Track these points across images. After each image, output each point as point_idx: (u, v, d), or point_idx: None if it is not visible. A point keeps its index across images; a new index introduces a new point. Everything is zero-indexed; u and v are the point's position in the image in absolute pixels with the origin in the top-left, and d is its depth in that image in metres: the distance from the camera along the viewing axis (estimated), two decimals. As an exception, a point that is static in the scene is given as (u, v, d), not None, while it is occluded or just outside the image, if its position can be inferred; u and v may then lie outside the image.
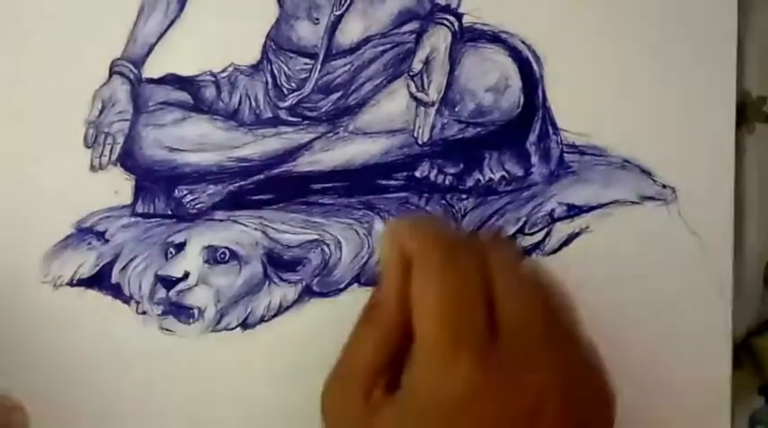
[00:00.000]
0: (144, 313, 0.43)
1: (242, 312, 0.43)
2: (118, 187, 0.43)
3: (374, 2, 0.43)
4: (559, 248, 0.42)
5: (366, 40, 0.42)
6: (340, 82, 0.43)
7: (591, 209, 0.42)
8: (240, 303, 0.42)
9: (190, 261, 0.42)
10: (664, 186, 0.42)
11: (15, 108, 0.43)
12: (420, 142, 0.42)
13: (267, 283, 0.42)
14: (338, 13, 0.43)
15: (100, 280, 0.43)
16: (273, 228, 0.42)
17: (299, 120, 0.43)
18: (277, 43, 0.43)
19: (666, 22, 0.42)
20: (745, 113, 0.42)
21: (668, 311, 0.41)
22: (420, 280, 0.34)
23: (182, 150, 0.43)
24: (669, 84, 0.42)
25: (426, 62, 0.42)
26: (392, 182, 0.43)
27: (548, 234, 0.42)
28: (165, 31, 0.43)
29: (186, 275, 0.42)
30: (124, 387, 0.43)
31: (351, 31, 0.42)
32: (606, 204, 0.42)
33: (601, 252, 0.42)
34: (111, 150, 0.43)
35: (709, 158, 0.42)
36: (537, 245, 0.42)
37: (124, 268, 0.43)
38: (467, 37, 0.42)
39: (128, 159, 0.43)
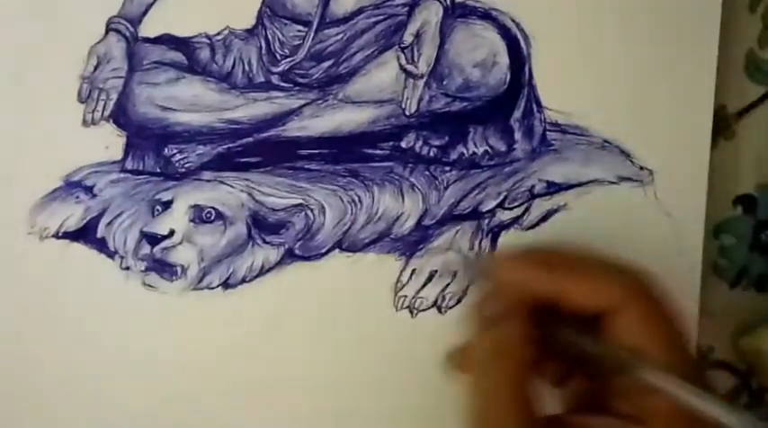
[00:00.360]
0: (127, 268, 0.43)
1: (224, 272, 0.43)
2: (109, 143, 0.43)
3: (368, -27, 0.44)
4: (537, 224, 0.43)
5: (359, 11, 0.43)
6: (332, 50, 0.44)
7: (570, 187, 0.43)
8: (223, 263, 0.43)
9: (176, 219, 0.43)
10: (641, 168, 0.43)
11: (10, 61, 0.43)
12: (407, 113, 0.43)
13: (251, 244, 0.43)
14: (334, -18, 0.44)
15: (85, 234, 0.43)
16: (259, 191, 0.43)
17: (291, 85, 0.44)
18: (272, 9, 0.43)
19: (652, 6, 0.43)
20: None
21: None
22: None
23: (174, 109, 0.43)
24: (652, 69, 0.43)
25: (417, 35, 0.43)
26: (378, 152, 0.43)
27: (527, 209, 0.43)
28: (163, -9, 0.43)
29: (171, 233, 0.43)
30: (104, 340, 0.43)
31: (345, 1, 0.43)
32: (585, 183, 0.43)
33: (577, 229, 0.43)
34: (104, 106, 0.43)
35: (687, 143, 0.43)
36: (516, 220, 0.43)
37: (110, 223, 0.43)
38: (458, 12, 0.43)
39: (120, 116, 0.43)
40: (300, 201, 0.43)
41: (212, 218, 0.43)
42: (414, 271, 0.43)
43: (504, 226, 0.43)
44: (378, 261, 0.43)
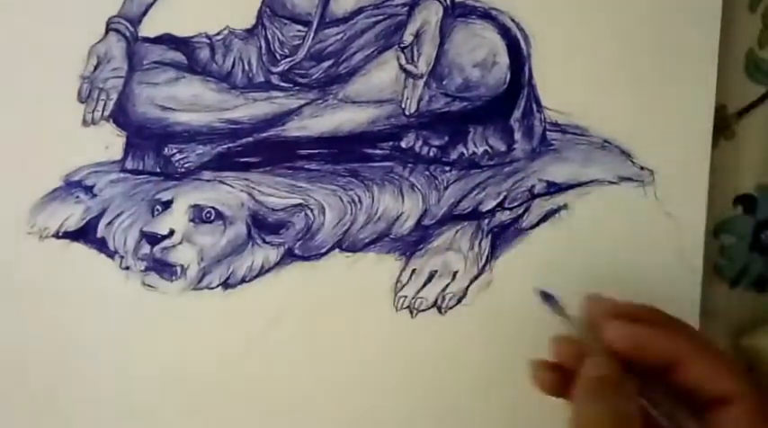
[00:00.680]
0: (127, 268, 0.43)
1: (224, 271, 0.43)
2: (109, 142, 0.43)
3: (368, -27, 0.44)
4: (537, 224, 0.43)
5: (359, 11, 0.43)
6: (332, 50, 0.44)
7: (570, 187, 0.43)
8: (223, 263, 0.43)
9: (176, 219, 0.43)
10: (641, 168, 0.43)
11: (12, 60, 0.43)
12: (407, 113, 0.43)
13: (250, 244, 0.43)
14: (333, -18, 0.44)
15: (85, 234, 0.43)
16: (259, 191, 0.43)
17: (290, 85, 0.44)
18: (272, 9, 0.43)
19: (652, 6, 0.43)
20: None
21: (641, 287, 0.42)
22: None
23: (174, 109, 0.43)
24: (652, 69, 0.43)
25: (417, 35, 0.43)
26: (377, 152, 0.43)
27: (527, 209, 0.43)
28: (163, -9, 0.44)
29: (171, 233, 0.43)
30: (104, 339, 0.43)
31: (345, 1, 0.43)
32: (585, 183, 0.43)
33: (577, 229, 0.43)
34: (104, 106, 0.43)
35: (687, 143, 0.43)
36: (516, 220, 0.43)
37: (110, 223, 0.43)
38: (458, 12, 0.43)
39: (120, 115, 0.43)
40: (300, 201, 0.43)
41: (212, 217, 0.43)
42: (414, 271, 0.43)
43: (505, 226, 0.43)
44: (377, 261, 0.43)
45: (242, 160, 0.43)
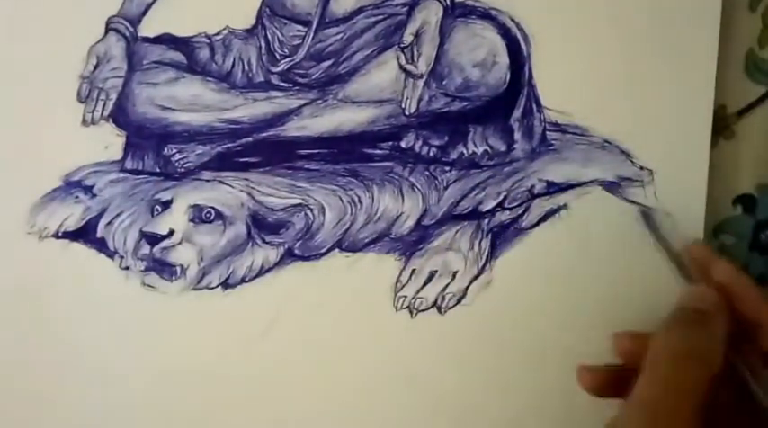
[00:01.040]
0: (127, 268, 0.43)
1: (224, 271, 0.43)
2: (108, 142, 0.43)
3: (368, -27, 0.44)
4: (537, 224, 0.43)
5: (359, 10, 0.43)
6: (332, 50, 0.44)
7: (570, 187, 0.43)
8: (222, 263, 0.43)
9: (175, 219, 0.43)
10: (641, 168, 0.43)
11: (11, 60, 0.43)
12: (407, 113, 0.43)
13: (250, 244, 0.43)
14: (333, -18, 0.44)
15: (85, 234, 0.43)
16: (259, 191, 0.43)
17: (290, 85, 0.44)
18: (272, 9, 0.43)
19: (652, 6, 0.43)
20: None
21: (640, 287, 0.42)
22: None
23: (173, 109, 0.43)
24: (652, 69, 0.43)
25: (417, 35, 0.43)
26: (377, 151, 0.43)
27: (527, 209, 0.43)
28: (163, -9, 0.44)
29: (171, 233, 0.43)
30: (103, 339, 0.43)
31: (344, 1, 0.43)
32: (585, 183, 0.43)
33: (577, 229, 0.43)
34: (103, 106, 0.43)
35: (687, 143, 0.43)
36: (515, 220, 0.43)
37: (110, 223, 0.43)
38: (457, 12, 0.43)
39: (120, 115, 0.43)
40: (300, 201, 0.43)
41: (212, 217, 0.43)
42: (413, 271, 0.43)
43: (504, 226, 0.43)
44: (377, 261, 0.43)
45: (242, 160, 0.43)
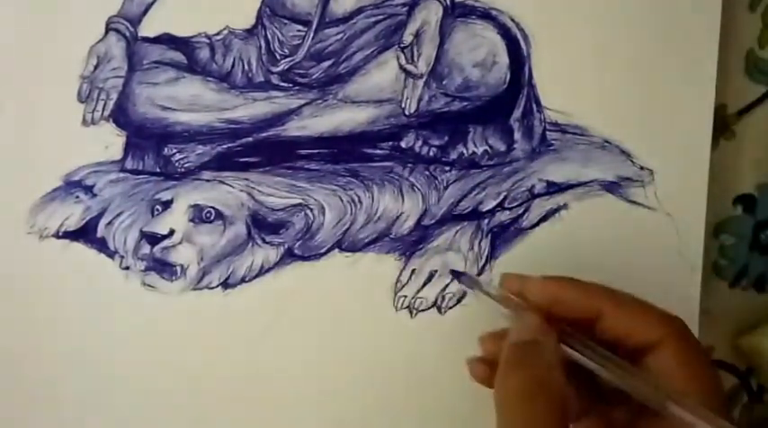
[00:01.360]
0: (127, 268, 0.43)
1: (224, 271, 0.43)
2: (108, 142, 0.43)
3: (368, -27, 0.44)
4: (537, 224, 0.43)
5: (359, 11, 0.43)
6: (332, 50, 0.44)
7: (570, 187, 0.43)
8: (222, 262, 0.43)
9: (175, 218, 0.43)
10: (641, 168, 0.43)
11: (11, 60, 0.43)
12: (407, 113, 0.43)
13: (250, 244, 0.43)
14: (333, -18, 0.44)
15: (85, 234, 0.43)
16: (259, 191, 0.43)
17: (290, 85, 0.44)
18: (272, 9, 0.43)
19: (652, 6, 0.43)
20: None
21: (640, 287, 0.42)
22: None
23: (174, 109, 0.43)
24: (652, 69, 0.43)
25: (417, 35, 0.43)
26: (377, 151, 0.43)
27: (527, 209, 0.43)
28: (163, -9, 0.44)
29: (171, 232, 0.43)
30: (104, 339, 0.43)
31: (344, 1, 0.43)
32: (585, 183, 0.43)
33: (577, 229, 0.43)
34: (104, 106, 0.43)
35: (687, 143, 0.43)
36: (515, 220, 0.43)
37: (110, 223, 0.43)
38: (457, 12, 0.43)
39: (120, 115, 0.43)
40: (300, 201, 0.43)
41: (212, 217, 0.43)
42: (413, 271, 0.43)
43: (504, 226, 0.43)
44: (377, 261, 0.43)
45: (242, 160, 0.43)
